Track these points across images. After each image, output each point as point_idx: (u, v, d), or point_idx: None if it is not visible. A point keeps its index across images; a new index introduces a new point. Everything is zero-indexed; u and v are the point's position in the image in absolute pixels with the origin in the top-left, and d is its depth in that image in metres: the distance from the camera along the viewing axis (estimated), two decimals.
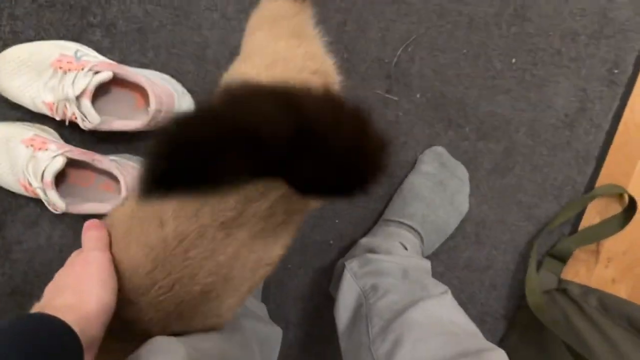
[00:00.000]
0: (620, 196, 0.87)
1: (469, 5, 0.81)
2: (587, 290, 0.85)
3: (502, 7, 0.81)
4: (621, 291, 0.89)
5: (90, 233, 0.52)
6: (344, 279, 0.74)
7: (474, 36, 0.82)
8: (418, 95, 0.84)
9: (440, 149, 0.85)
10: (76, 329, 0.42)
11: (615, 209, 0.88)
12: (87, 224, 0.53)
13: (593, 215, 0.89)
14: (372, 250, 0.78)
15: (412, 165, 0.86)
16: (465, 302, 0.91)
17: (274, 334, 0.82)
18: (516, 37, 0.82)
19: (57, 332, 0.41)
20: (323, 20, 0.81)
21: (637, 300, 0.85)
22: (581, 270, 0.90)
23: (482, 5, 0.81)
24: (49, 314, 0.42)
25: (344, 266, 0.77)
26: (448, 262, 0.90)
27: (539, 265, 0.88)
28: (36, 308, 0.47)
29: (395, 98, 0.84)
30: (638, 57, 0.83)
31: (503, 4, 0.81)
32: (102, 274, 0.49)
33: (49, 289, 0.50)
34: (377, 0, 0.81)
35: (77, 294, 0.47)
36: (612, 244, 0.89)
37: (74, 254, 0.53)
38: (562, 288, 0.86)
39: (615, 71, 0.84)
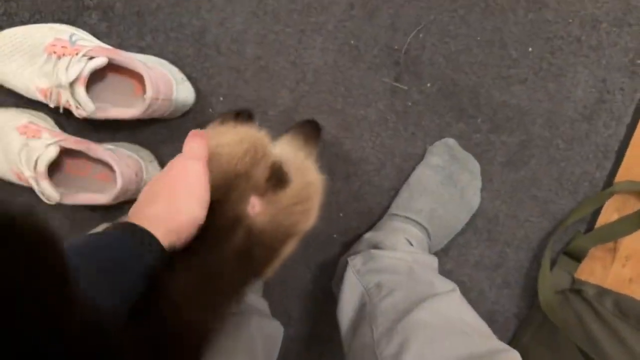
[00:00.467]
0: None
1: None
2: (602, 291, 0.81)
3: None
4: (638, 292, 0.86)
5: (193, 143, 0.52)
6: (346, 276, 0.71)
7: (488, 22, 0.78)
8: (428, 84, 0.80)
9: (450, 141, 0.81)
10: (164, 241, 0.45)
11: (635, 205, 0.84)
12: (192, 132, 0.53)
13: (611, 212, 0.85)
14: (376, 246, 0.75)
15: (421, 157, 0.82)
16: (475, 300, 0.88)
17: (276, 329, 0.80)
18: (533, 24, 0.78)
19: (144, 246, 0.44)
20: (328, 4, 0.78)
21: None
22: (597, 269, 0.86)
23: None
24: (140, 226, 0.45)
25: (346, 263, 0.73)
26: (458, 259, 0.87)
27: (553, 263, 0.85)
28: (130, 214, 0.49)
29: (404, 87, 0.80)
30: None
31: None
32: (196, 187, 0.49)
33: (145, 193, 0.52)
34: None
35: (170, 204, 0.48)
36: (631, 242, 0.85)
37: (174, 160, 0.53)
38: (577, 289, 0.82)
39: (638, 61, 0.79)
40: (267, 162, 0.56)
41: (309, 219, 0.59)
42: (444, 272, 0.86)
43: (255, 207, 0.53)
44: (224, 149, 0.55)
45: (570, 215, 0.82)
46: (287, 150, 0.62)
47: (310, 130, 0.72)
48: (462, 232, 0.84)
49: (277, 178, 0.55)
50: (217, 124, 0.67)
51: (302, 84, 0.81)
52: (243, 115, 0.71)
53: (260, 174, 0.55)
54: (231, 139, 0.57)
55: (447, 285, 0.67)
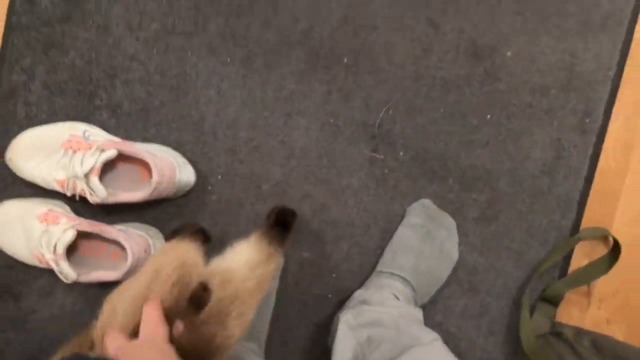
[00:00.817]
0: (606, 237, 0.91)
1: (442, 69, 0.88)
2: (579, 331, 0.87)
3: (473, 69, 0.88)
4: (616, 331, 0.91)
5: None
6: (339, 331, 0.77)
7: (449, 97, 0.89)
8: (402, 153, 0.90)
9: (426, 202, 0.90)
10: None
11: (602, 250, 0.91)
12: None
13: (581, 257, 0.92)
14: (365, 302, 0.81)
15: (401, 217, 0.91)
16: (465, 349, 0.93)
17: None
18: (488, 95, 0.89)
19: None
20: (309, 92, 0.89)
21: (634, 340, 0.87)
22: (574, 312, 0.92)
23: (453, 68, 0.88)
24: None
25: (339, 319, 0.80)
26: (445, 311, 0.93)
27: (533, 309, 0.91)
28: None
29: (381, 157, 0.90)
30: (607, 106, 0.89)
31: (473, 66, 0.88)
32: None
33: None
34: (356, 70, 0.89)
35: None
36: (603, 285, 0.91)
37: None
38: (557, 331, 0.88)
39: (587, 120, 0.89)
40: (193, 283, 0.59)
41: (226, 331, 0.58)
42: (434, 323, 0.92)
43: (179, 328, 0.55)
44: (158, 281, 0.59)
45: (543, 263, 0.89)
46: (240, 255, 0.67)
47: (276, 233, 0.75)
48: (447, 284, 0.91)
49: (196, 300, 0.57)
50: (172, 242, 0.71)
51: (291, 160, 0.91)
52: (198, 234, 0.75)
53: (185, 295, 0.58)
54: (167, 263, 0.61)
55: (430, 335, 0.73)
